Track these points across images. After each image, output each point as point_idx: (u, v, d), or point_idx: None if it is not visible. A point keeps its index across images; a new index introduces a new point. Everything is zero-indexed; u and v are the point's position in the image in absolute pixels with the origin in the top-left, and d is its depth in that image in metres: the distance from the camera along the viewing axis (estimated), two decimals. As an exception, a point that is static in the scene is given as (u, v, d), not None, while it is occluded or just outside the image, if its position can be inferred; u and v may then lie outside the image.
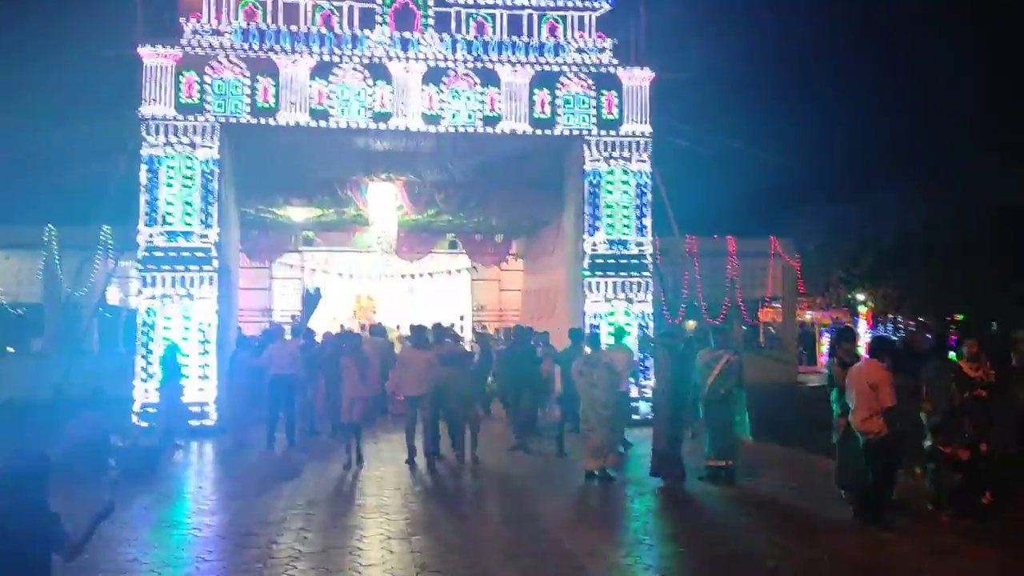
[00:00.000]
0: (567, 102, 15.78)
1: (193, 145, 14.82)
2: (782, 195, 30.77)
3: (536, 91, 15.70)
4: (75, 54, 23.18)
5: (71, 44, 24.57)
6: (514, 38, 15.88)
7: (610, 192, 15.96)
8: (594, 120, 15.84)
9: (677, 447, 10.05)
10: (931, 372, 8.35)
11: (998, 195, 27.69)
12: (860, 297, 35.62)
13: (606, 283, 15.87)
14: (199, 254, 14.68)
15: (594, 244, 15.91)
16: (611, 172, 15.95)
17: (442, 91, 15.51)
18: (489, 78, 15.62)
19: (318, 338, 15.49)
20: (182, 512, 9.13)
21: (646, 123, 15.99)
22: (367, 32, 15.56)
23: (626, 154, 15.95)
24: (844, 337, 9.55)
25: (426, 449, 11.48)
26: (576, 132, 15.83)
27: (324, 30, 15.48)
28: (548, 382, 14.66)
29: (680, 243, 19.60)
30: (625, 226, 15.99)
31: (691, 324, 21.09)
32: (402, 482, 10.42)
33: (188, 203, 14.77)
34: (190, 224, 14.77)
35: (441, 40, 15.66)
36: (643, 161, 16.03)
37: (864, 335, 29.51)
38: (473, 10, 16.03)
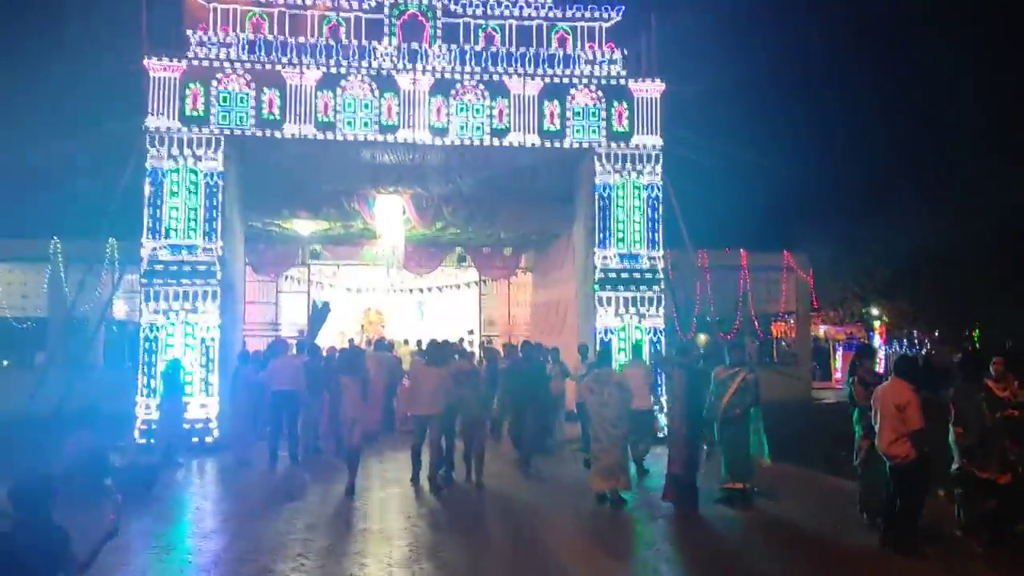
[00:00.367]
0: (577, 114, 15.52)
1: (197, 157, 14.62)
2: (795, 208, 30.43)
3: (546, 103, 15.45)
4: (81, 67, 23.15)
5: (77, 57, 24.51)
6: (523, 49, 15.65)
7: (621, 205, 15.67)
8: (604, 132, 15.57)
9: (692, 472, 9.67)
10: (959, 392, 7.98)
11: (1015, 208, 27.25)
12: (874, 312, 35.19)
13: (617, 298, 15.54)
14: (202, 267, 14.44)
15: (604, 258, 15.61)
16: (622, 185, 15.67)
17: (450, 103, 15.28)
18: (498, 90, 15.39)
19: (325, 353, 15.21)
20: (178, 534, 8.84)
21: (657, 135, 15.71)
22: (374, 43, 15.37)
23: (637, 166, 15.67)
24: (864, 355, 9.19)
25: (431, 472, 11.04)
26: (586, 144, 15.56)
27: (331, 42, 15.29)
28: (558, 399, 14.36)
29: (692, 257, 19.26)
30: (636, 240, 15.68)
31: (702, 339, 20.74)
32: (406, 505, 10.09)
33: (192, 216, 14.56)
34: (194, 237, 14.55)
35: (449, 51, 15.44)
36: (654, 174, 15.74)
37: (879, 350, 29.09)
38: (482, 21, 15.84)
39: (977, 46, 35.04)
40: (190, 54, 14.81)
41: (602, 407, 9.88)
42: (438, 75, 15.27)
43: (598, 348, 13.83)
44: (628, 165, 15.66)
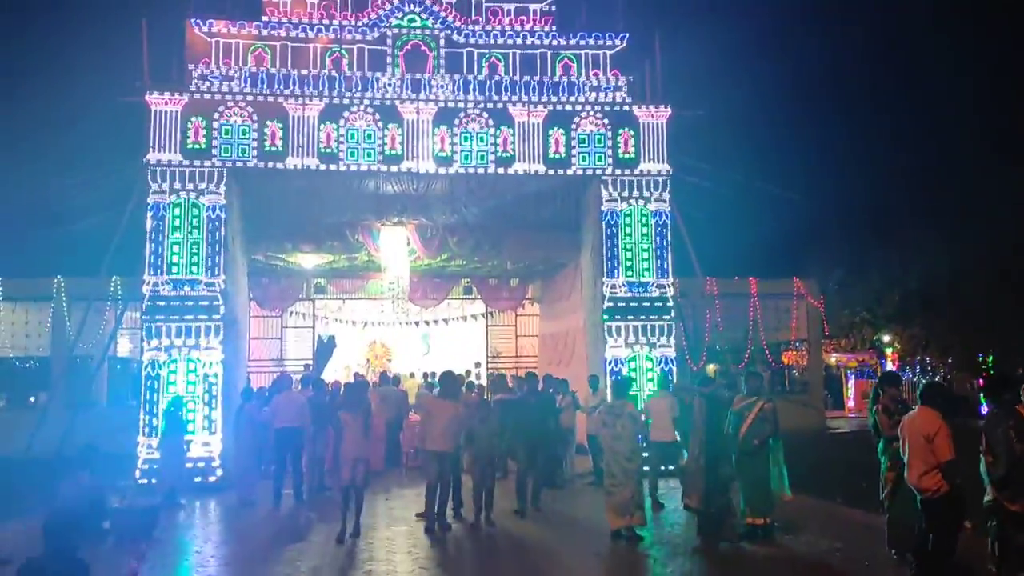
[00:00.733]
0: (582, 141, 15.36)
1: (199, 191, 14.46)
2: (804, 234, 30.15)
3: (550, 130, 15.32)
4: (82, 103, 23.13)
5: (78, 94, 24.53)
6: (527, 77, 15.54)
7: (628, 233, 15.44)
8: (610, 159, 15.40)
9: (710, 504, 9.30)
10: (989, 419, 7.62)
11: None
12: (886, 338, 34.77)
13: (626, 327, 15.27)
14: (204, 303, 14.22)
15: (613, 287, 15.35)
16: (629, 212, 15.45)
17: (454, 132, 15.14)
18: (502, 118, 15.25)
19: (330, 387, 14.89)
20: (177, 580, 8.49)
21: (663, 161, 15.53)
22: (377, 74, 15.26)
23: (644, 193, 15.47)
24: (889, 382, 8.83)
25: (440, 510, 10.63)
26: (592, 171, 15.38)
27: (334, 73, 15.20)
28: (569, 432, 13.99)
29: (701, 285, 19.00)
30: (645, 268, 15.43)
31: (711, 368, 20.40)
32: (414, 546, 9.70)
33: (194, 250, 14.37)
34: (196, 272, 14.34)
35: (453, 81, 15.33)
36: (662, 200, 15.54)
37: (902, 376, 28.62)
38: (485, 50, 15.75)
39: (986, 69, 34.98)
40: (192, 87, 14.72)
41: (615, 440, 9.54)
42: (442, 104, 15.14)
43: (610, 379, 13.53)
44: (635, 192, 15.46)
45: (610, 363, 15.12)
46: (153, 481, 13.11)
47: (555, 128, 15.33)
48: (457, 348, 23.24)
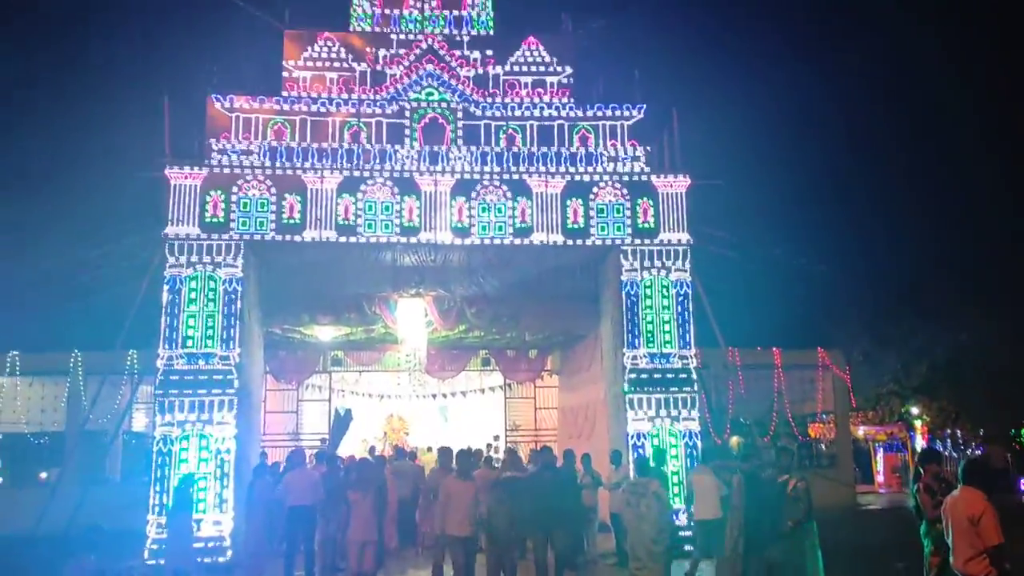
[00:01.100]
0: (601, 211, 15.25)
1: (216, 264, 14.42)
2: (828, 304, 29.69)
3: (569, 201, 15.22)
4: (102, 176, 23.44)
5: (98, 166, 24.91)
6: (545, 148, 15.54)
7: (649, 303, 15.18)
8: (630, 229, 15.25)
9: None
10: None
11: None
12: (914, 411, 33.90)
13: (649, 400, 14.89)
14: (218, 376, 14.03)
15: (634, 358, 15.03)
16: (649, 282, 15.23)
17: (472, 203, 15.08)
18: (520, 189, 15.20)
19: (344, 463, 14.52)
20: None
21: (683, 231, 15.36)
22: (396, 147, 15.33)
23: (665, 263, 15.26)
24: (929, 459, 8.41)
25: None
26: (611, 241, 15.23)
27: (352, 146, 15.27)
28: (590, 510, 13.49)
29: (724, 356, 18.60)
30: (667, 339, 15.13)
31: (735, 441, 19.84)
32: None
33: (209, 323, 14.24)
34: (211, 345, 14.18)
35: (470, 153, 15.36)
36: (682, 270, 15.31)
37: (944, 453, 27.82)
38: (502, 123, 15.81)
39: (1019, 137, 34.81)
40: (212, 162, 14.81)
41: (640, 521, 9.10)
42: (459, 176, 15.13)
43: (633, 454, 13.08)
44: (656, 262, 15.26)
45: (632, 437, 14.70)
46: (161, 562, 12.71)
47: (573, 198, 15.25)
48: (475, 421, 22.85)
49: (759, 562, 8.82)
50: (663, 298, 15.22)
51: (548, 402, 23.55)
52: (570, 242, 15.18)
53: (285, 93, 15.87)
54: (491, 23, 17.04)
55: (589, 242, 15.22)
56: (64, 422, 20.09)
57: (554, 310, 17.43)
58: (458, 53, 16.43)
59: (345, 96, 15.83)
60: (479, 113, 15.83)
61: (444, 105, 15.82)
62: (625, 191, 15.35)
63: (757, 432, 19.54)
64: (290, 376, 21.69)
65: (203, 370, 14.08)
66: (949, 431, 33.97)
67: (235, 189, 14.69)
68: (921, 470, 8.18)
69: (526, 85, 16.34)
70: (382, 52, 16.40)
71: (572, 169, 15.40)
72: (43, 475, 20.87)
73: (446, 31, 16.71)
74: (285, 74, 16.25)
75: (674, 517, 11.39)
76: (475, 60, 16.46)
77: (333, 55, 16.32)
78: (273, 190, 14.76)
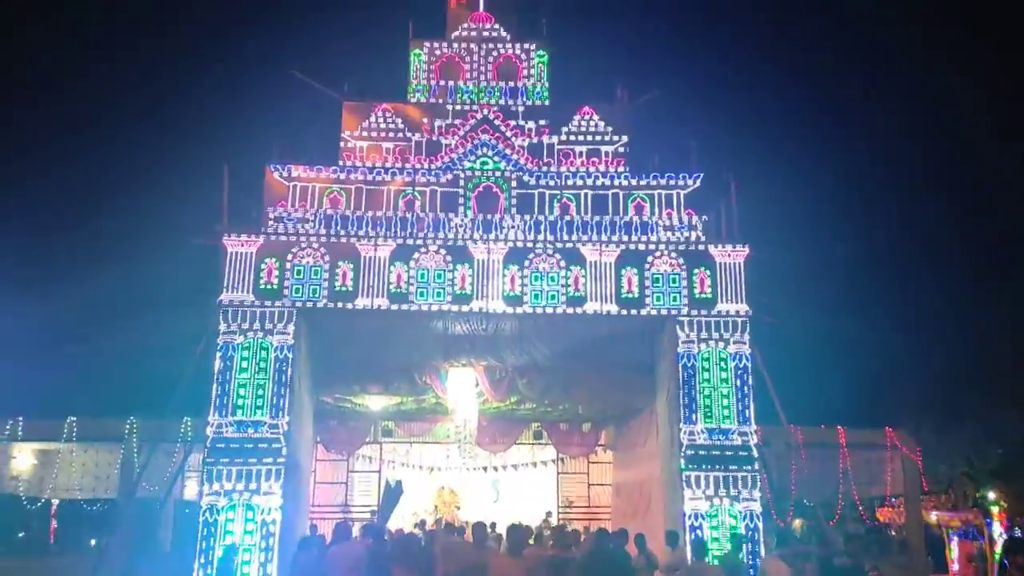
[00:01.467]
0: (656, 280, 14.94)
1: (268, 331, 14.45)
2: (892, 380, 28.57)
3: (623, 270, 14.96)
4: (161, 245, 23.98)
5: (157, 235, 25.51)
6: (599, 217, 15.36)
7: (707, 376, 14.71)
8: (686, 299, 14.89)
9: None
10: None
11: None
12: (991, 495, 32.12)
13: (707, 478, 14.29)
14: (264, 445, 13.89)
15: (691, 433, 14.48)
16: (707, 354, 14.78)
17: (524, 272, 14.92)
18: (574, 258, 15.01)
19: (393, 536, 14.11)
20: None
21: (742, 302, 14.95)
22: (449, 215, 15.32)
23: (724, 335, 14.83)
24: (1015, 550, 7.77)
25: None
26: (667, 312, 14.87)
27: (406, 215, 15.31)
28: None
29: (785, 433, 17.82)
30: (725, 414, 14.58)
31: (798, 524, 18.88)
32: None
33: (259, 392, 14.21)
34: (260, 414, 14.11)
35: (524, 221, 15.26)
36: (741, 342, 14.84)
37: (999, 539, 26.22)
38: (556, 191, 15.73)
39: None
40: (268, 229, 14.96)
41: (699, 607, 8.52)
42: (512, 244, 15.02)
43: (690, 536, 12.43)
44: (713, 333, 14.83)
45: (689, 517, 14.06)
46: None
47: (628, 267, 14.99)
48: (527, 496, 22.23)
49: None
50: (721, 371, 14.73)
51: (602, 478, 22.84)
52: (624, 312, 14.86)
53: (342, 162, 16.08)
54: (546, 93, 17.17)
55: (644, 312, 14.87)
56: (117, 489, 20.11)
57: (608, 381, 16.99)
58: (513, 123, 16.52)
59: (400, 165, 15.96)
60: (533, 182, 15.80)
61: (498, 174, 15.83)
62: (681, 260, 15.04)
63: (823, 515, 18.54)
64: (340, 446, 21.47)
65: (251, 438, 13.98)
66: (1028, 518, 32.08)
67: (290, 257, 14.79)
68: (1006, 561, 7.53)
69: (581, 154, 16.31)
70: (438, 122, 16.58)
71: (627, 238, 15.17)
72: (92, 542, 20.84)
73: (501, 101, 16.86)
74: (342, 144, 16.51)
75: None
76: (530, 130, 16.52)
77: (390, 125, 16.56)
78: (327, 258, 14.83)
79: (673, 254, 15.07)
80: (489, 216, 15.31)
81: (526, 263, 14.98)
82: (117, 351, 19.92)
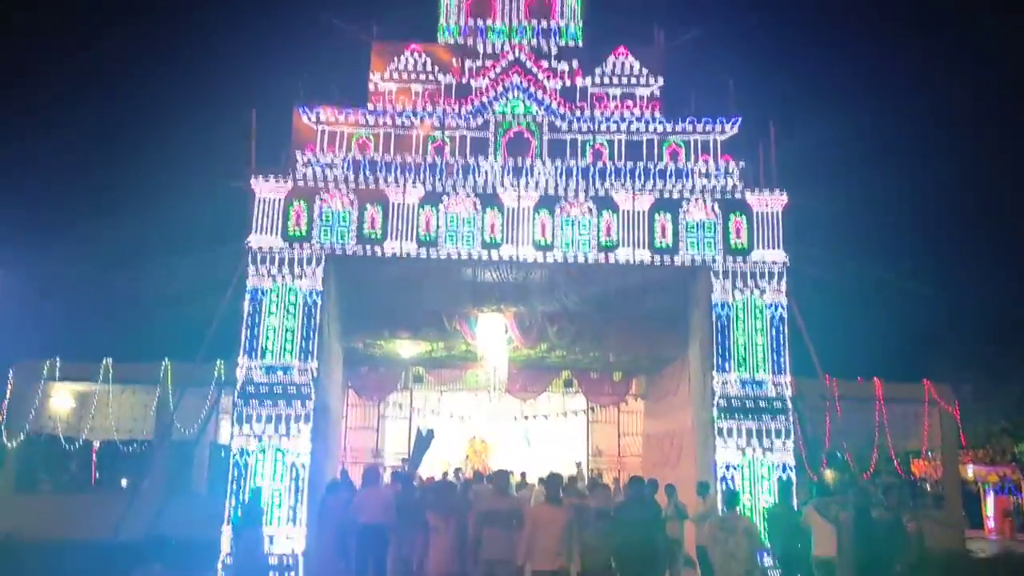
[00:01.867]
0: (691, 228, 14.55)
1: (297, 276, 14.35)
2: (935, 333, 27.91)
3: (657, 217, 14.59)
4: (191, 188, 23.99)
5: (187, 179, 25.54)
6: (632, 164, 14.94)
7: (741, 326, 14.36)
8: (721, 247, 14.50)
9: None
10: None
11: None
12: (1029, 450, 31.58)
13: (739, 428, 14.05)
14: (292, 389, 13.90)
15: (724, 383, 14.22)
16: (742, 304, 14.42)
17: (555, 219, 14.61)
18: (606, 204, 14.65)
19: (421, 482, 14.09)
20: None
21: (779, 250, 14.52)
22: (480, 160, 15.01)
23: (759, 284, 14.44)
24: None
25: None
26: (701, 260, 14.49)
27: (436, 160, 15.03)
28: (675, 544, 12.67)
29: (820, 385, 17.49)
30: (759, 364, 14.29)
31: (829, 475, 18.60)
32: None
33: (288, 336, 14.16)
34: (289, 358, 14.08)
35: (555, 167, 14.90)
36: (777, 291, 14.46)
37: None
38: (589, 136, 15.31)
39: None
40: (297, 174, 14.79)
41: (729, 559, 8.38)
42: (543, 191, 14.69)
43: (721, 486, 12.22)
44: (748, 283, 14.45)
45: (721, 467, 13.87)
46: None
47: (661, 214, 14.61)
48: (558, 446, 22.23)
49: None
50: (756, 320, 14.39)
51: (633, 428, 22.75)
52: (657, 260, 14.52)
53: (371, 106, 15.77)
54: (580, 34, 16.62)
55: (677, 260, 14.52)
56: (153, 431, 20.42)
57: (639, 330, 16.75)
58: (545, 64, 16.04)
59: (430, 109, 15.61)
60: (565, 127, 15.38)
61: (530, 118, 15.44)
62: (717, 208, 14.62)
63: (857, 468, 18.26)
64: (371, 392, 21.57)
65: (281, 382, 13.99)
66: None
67: (318, 201, 14.62)
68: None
69: (615, 98, 15.82)
70: (468, 64, 16.16)
71: (661, 185, 14.76)
72: (124, 482, 21.22)
73: (533, 42, 16.37)
74: (371, 86, 16.18)
75: (761, 557, 10.47)
76: (562, 72, 16.03)
77: (419, 67, 16.17)
78: (355, 203, 14.63)
79: (708, 201, 14.65)
80: (520, 162, 14.97)
81: (557, 210, 14.66)
82: (150, 294, 20.03)
